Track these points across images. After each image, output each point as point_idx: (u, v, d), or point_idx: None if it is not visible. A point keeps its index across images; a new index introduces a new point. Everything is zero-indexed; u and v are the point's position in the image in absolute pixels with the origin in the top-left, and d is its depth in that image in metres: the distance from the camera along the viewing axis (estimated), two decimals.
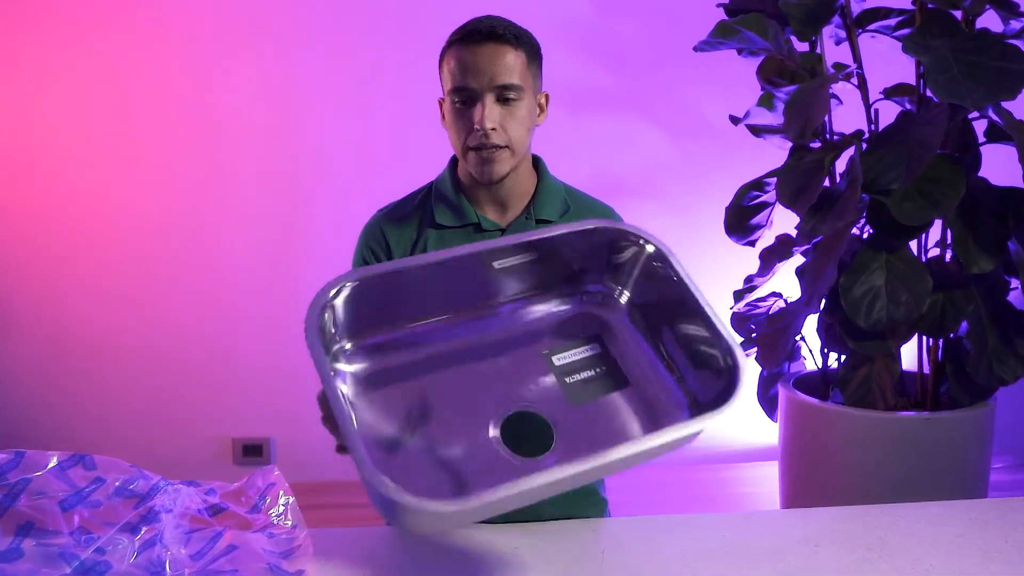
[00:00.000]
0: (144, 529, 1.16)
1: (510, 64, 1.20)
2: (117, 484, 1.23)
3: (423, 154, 2.41)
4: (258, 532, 1.22)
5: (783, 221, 2.24)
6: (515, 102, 1.21)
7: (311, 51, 2.61)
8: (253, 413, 2.72)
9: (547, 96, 1.30)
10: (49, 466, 1.22)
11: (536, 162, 1.35)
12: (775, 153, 2.25)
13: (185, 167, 2.64)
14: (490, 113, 1.19)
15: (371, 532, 1.25)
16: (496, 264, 1.03)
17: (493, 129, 1.20)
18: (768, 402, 2.34)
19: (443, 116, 1.29)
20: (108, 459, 1.25)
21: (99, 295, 2.67)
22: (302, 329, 0.92)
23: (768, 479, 2.54)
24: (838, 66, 2.10)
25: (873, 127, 2.05)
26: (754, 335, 2.33)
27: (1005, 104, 1.80)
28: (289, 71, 2.62)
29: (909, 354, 2.13)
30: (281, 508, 1.32)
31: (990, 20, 2.02)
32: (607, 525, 1.27)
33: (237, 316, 2.70)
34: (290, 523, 1.26)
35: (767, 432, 2.60)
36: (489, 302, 1.07)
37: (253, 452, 2.72)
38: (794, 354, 2.30)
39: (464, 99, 1.21)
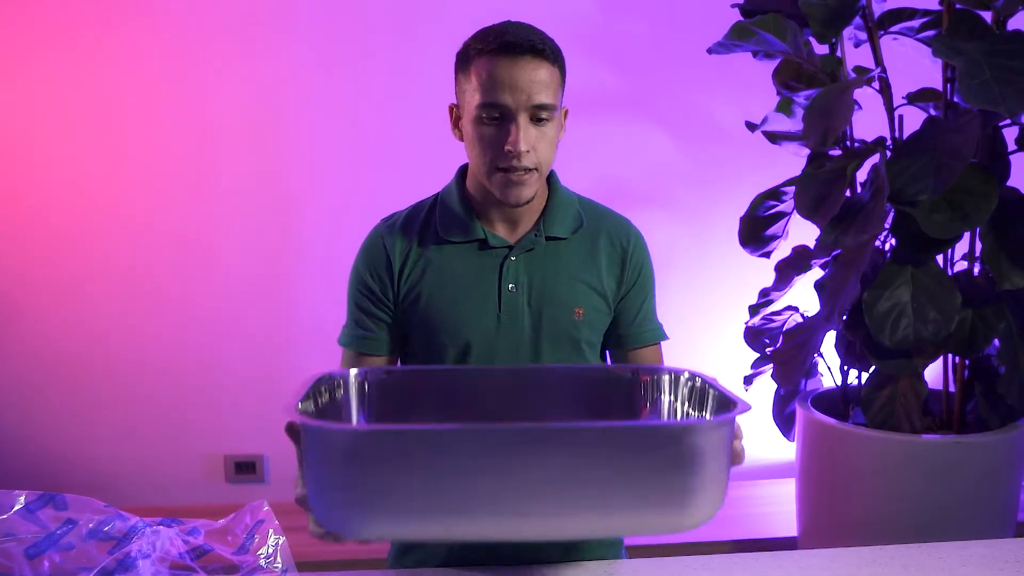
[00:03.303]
0: None
1: (547, 82, 1.12)
2: (91, 526, 1.14)
3: (419, 163, 2.32)
4: None
5: (799, 232, 2.15)
6: (547, 122, 1.13)
7: (304, 56, 2.52)
8: (245, 429, 2.62)
9: (566, 112, 1.23)
10: (16, 507, 1.13)
11: (548, 174, 1.27)
12: (790, 160, 2.16)
13: (176, 178, 2.55)
14: (525, 135, 1.11)
15: None
16: None
17: (527, 152, 1.12)
18: (784, 421, 2.24)
19: (454, 124, 1.21)
20: (81, 498, 1.16)
21: (85, 306, 2.58)
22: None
23: (785, 498, 2.45)
24: (860, 70, 2.00)
25: (897, 134, 1.96)
26: (769, 350, 2.24)
27: None
28: (282, 76, 2.52)
29: (932, 371, 2.04)
30: (271, 548, 1.23)
31: (1021, 22, 1.93)
32: (622, 567, 1.17)
33: (228, 329, 2.61)
34: (279, 566, 1.17)
35: (783, 448, 2.51)
36: None
37: (246, 469, 2.63)
38: (811, 371, 2.21)
39: (494, 116, 1.12)
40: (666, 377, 1.08)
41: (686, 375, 1.06)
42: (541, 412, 1.08)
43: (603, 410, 1.09)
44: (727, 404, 0.93)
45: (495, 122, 1.12)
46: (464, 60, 1.16)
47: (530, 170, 1.13)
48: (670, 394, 1.08)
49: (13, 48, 2.46)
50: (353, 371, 1.07)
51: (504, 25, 1.14)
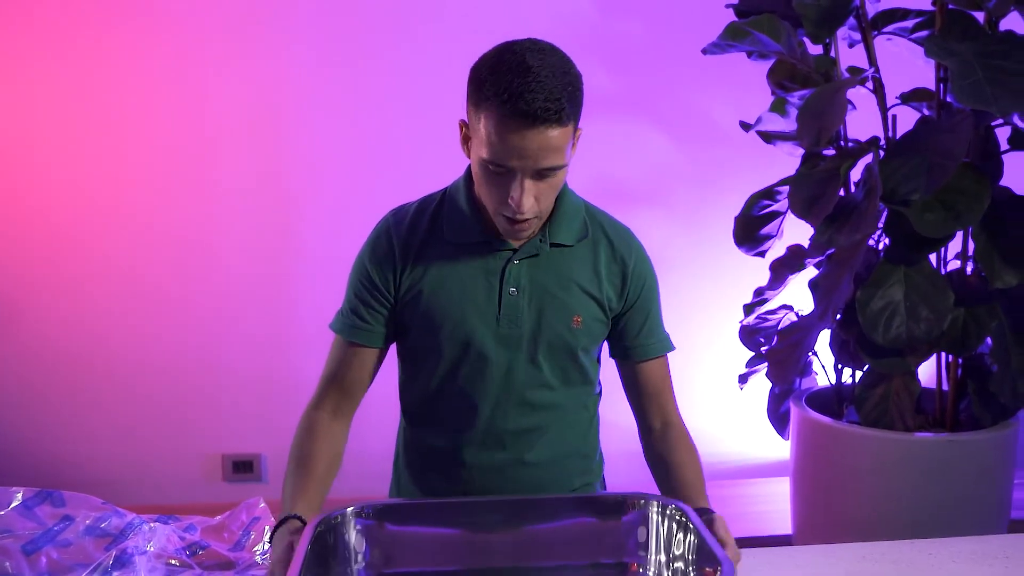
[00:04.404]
0: (116, 573, 1.08)
1: (557, 146, 1.08)
2: (88, 522, 1.15)
3: (419, 163, 2.33)
4: (240, 574, 1.13)
5: (793, 231, 2.16)
6: (554, 173, 1.12)
7: (304, 56, 2.53)
8: (244, 429, 2.63)
9: (580, 132, 1.19)
10: (13, 504, 1.14)
11: None
12: (785, 160, 2.17)
13: (176, 178, 2.56)
14: (528, 193, 1.10)
15: None
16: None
17: (529, 206, 1.11)
18: (779, 419, 2.25)
19: (463, 141, 1.19)
20: (78, 495, 1.17)
21: (84, 306, 2.59)
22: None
23: (779, 496, 2.46)
24: (853, 70, 2.02)
25: (890, 134, 1.97)
26: (764, 349, 2.25)
27: None
28: (281, 76, 2.53)
29: (926, 369, 2.05)
30: (266, 545, 1.24)
31: (1013, 22, 1.94)
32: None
33: (228, 329, 2.62)
34: None
35: (777, 446, 2.52)
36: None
37: (244, 469, 2.64)
38: (806, 369, 2.22)
39: (500, 171, 1.10)
40: (655, 512, 1.11)
41: (673, 507, 1.09)
42: (535, 546, 1.11)
43: (594, 544, 1.12)
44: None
45: (500, 176, 1.10)
46: (477, 95, 1.10)
47: (531, 219, 1.14)
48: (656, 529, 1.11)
49: (13, 48, 2.47)
50: (350, 509, 1.08)
51: (521, 80, 1.05)
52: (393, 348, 1.33)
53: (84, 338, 2.61)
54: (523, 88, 1.04)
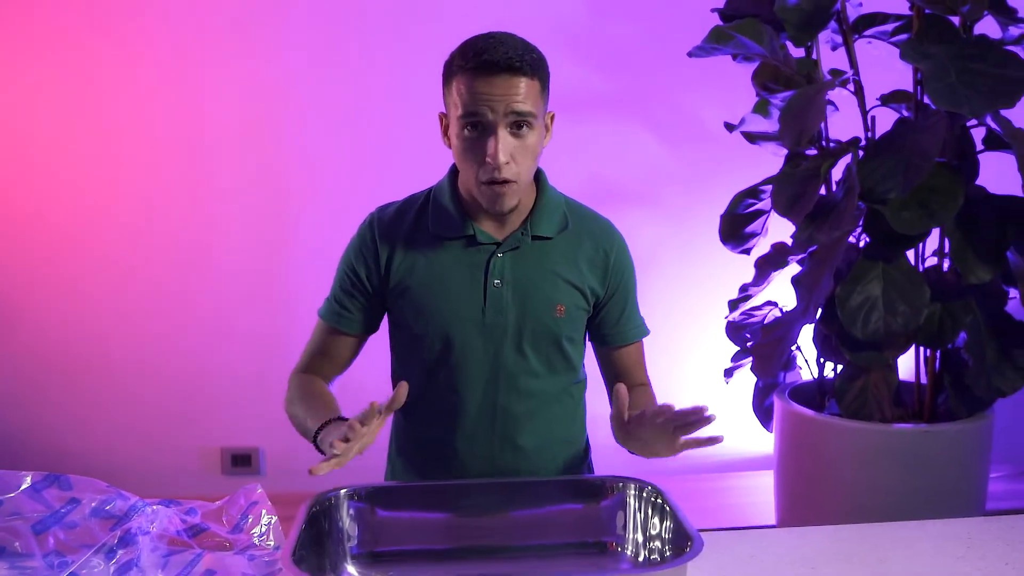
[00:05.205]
0: (120, 552, 1.13)
1: (524, 93, 1.16)
2: (93, 505, 1.20)
3: (413, 161, 2.37)
4: (238, 554, 1.18)
5: (778, 229, 2.21)
6: (527, 131, 1.18)
7: (300, 56, 2.57)
8: (242, 423, 2.68)
9: (552, 116, 1.27)
10: (22, 487, 1.19)
11: (536, 174, 1.32)
12: (770, 160, 2.23)
13: (172, 176, 2.61)
14: (504, 146, 1.16)
15: None
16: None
17: (507, 163, 1.17)
18: (763, 412, 2.31)
19: (444, 132, 1.26)
20: (84, 479, 1.22)
21: (84, 304, 2.63)
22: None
23: (763, 489, 2.51)
24: (835, 72, 2.07)
25: (870, 134, 2.03)
26: (749, 344, 2.30)
27: (1004, 112, 1.77)
28: (278, 76, 2.58)
29: (906, 364, 2.10)
30: (263, 528, 1.28)
31: (987, 26, 2.00)
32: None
33: (225, 324, 2.66)
34: (272, 544, 1.23)
35: (762, 441, 2.57)
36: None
37: (242, 462, 2.68)
38: (789, 364, 2.28)
39: (475, 126, 1.17)
40: (632, 496, 1.18)
41: (649, 488, 1.16)
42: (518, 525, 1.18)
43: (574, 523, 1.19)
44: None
45: (476, 134, 1.17)
46: (448, 75, 1.20)
47: (510, 182, 1.19)
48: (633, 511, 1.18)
49: (13, 48, 2.52)
50: (343, 491, 1.16)
51: (484, 41, 1.17)
52: (380, 338, 1.39)
53: (84, 336, 2.65)
54: (486, 46, 1.16)
